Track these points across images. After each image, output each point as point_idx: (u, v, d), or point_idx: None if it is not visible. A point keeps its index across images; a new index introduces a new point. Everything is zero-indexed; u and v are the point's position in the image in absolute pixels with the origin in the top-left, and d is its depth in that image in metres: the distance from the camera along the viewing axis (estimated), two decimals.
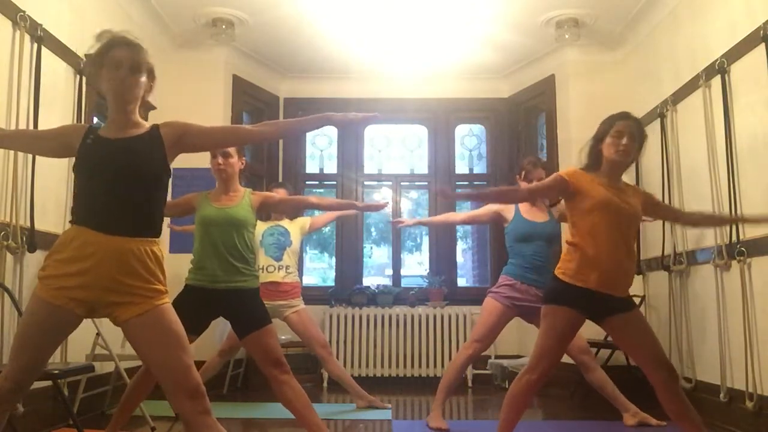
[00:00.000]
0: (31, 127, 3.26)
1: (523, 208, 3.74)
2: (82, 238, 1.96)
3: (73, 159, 2.08)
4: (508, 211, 3.76)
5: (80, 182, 2.09)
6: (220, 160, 3.08)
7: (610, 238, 2.55)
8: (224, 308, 2.97)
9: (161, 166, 2.12)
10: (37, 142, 2.24)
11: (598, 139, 2.69)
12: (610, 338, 4.45)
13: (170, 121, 2.18)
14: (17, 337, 1.96)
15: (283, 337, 4.50)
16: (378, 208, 3.65)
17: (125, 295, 1.98)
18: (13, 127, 3.12)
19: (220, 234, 2.98)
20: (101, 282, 1.95)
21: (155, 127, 2.14)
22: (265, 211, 3.48)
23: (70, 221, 2.05)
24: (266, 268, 4.23)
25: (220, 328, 4.42)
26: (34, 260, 3.25)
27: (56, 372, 2.69)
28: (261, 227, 4.37)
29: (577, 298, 2.56)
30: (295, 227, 4.43)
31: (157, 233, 2.10)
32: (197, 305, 2.89)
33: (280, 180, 5.96)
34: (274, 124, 2.32)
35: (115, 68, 2.05)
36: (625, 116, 2.67)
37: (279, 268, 4.25)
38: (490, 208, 3.87)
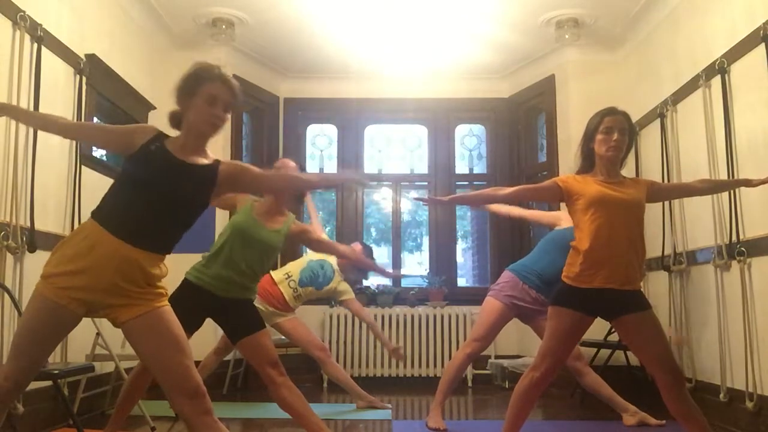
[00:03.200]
0: (31, 127, 3.26)
1: None
2: (95, 237, 1.96)
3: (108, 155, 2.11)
4: (567, 221, 3.60)
5: (122, 183, 2.09)
6: None
7: (613, 232, 2.54)
8: (220, 313, 2.96)
9: (204, 200, 2.14)
10: (104, 135, 2.23)
11: (588, 138, 2.68)
12: (609, 338, 4.47)
13: (232, 161, 2.21)
14: (19, 337, 1.96)
15: (283, 338, 4.50)
16: (391, 275, 3.63)
17: (125, 298, 1.99)
18: (13, 128, 3.13)
19: (251, 251, 2.92)
20: (101, 284, 1.96)
21: (216, 163, 2.15)
22: (297, 243, 3.49)
23: (92, 213, 2.04)
24: (288, 281, 4.24)
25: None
26: (34, 260, 3.25)
27: (56, 372, 2.69)
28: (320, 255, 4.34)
29: (582, 301, 2.55)
30: (337, 285, 4.41)
31: (169, 252, 2.12)
32: (194, 304, 2.87)
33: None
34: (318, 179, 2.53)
35: (209, 103, 2.07)
36: (611, 111, 2.67)
37: (294, 290, 4.25)
38: (554, 215, 3.83)
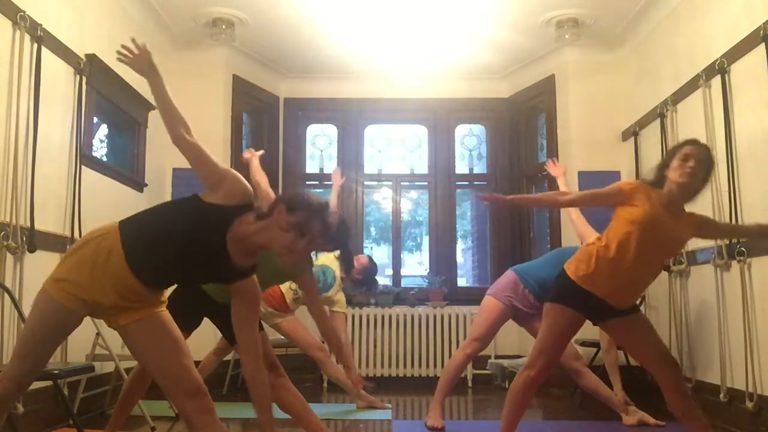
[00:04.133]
0: (31, 127, 3.26)
1: None
2: (109, 251, 1.96)
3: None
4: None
5: (166, 217, 2.04)
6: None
7: (638, 256, 2.49)
8: (217, 315, 2.95)
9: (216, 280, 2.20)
10: (203, 160, 2.04)
11: (663, 165, 2.58)
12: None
13: (255, 290, 2.17)
14: (25, 339, 1.98)
15: (282, 338, 4.49)
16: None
17: (124, 308, 2.04)
18: (13, 127, 3.13)
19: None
20: (105, 302, 1.99)
21: (248, 272, 2.11)
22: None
23: (120, 222, 2.03)
24: (290, 283, 4.23)
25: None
26: (34, 260, 3.25)
27: (56, 372, 2.68)
28: (325, 260, 4.33)
29: (583, 301, 2.55)
30: (334, 295, 4.40)
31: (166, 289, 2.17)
32: (193, 303, 2.87)
33: (280, 181, 5.97)
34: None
35: (301, 236, 2.03)
36: (693, 142, 2.57)
37: (295, 292, 4.23)
38: (588, 234, 3.65)
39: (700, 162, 2.51)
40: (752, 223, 2.76)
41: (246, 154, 3.80)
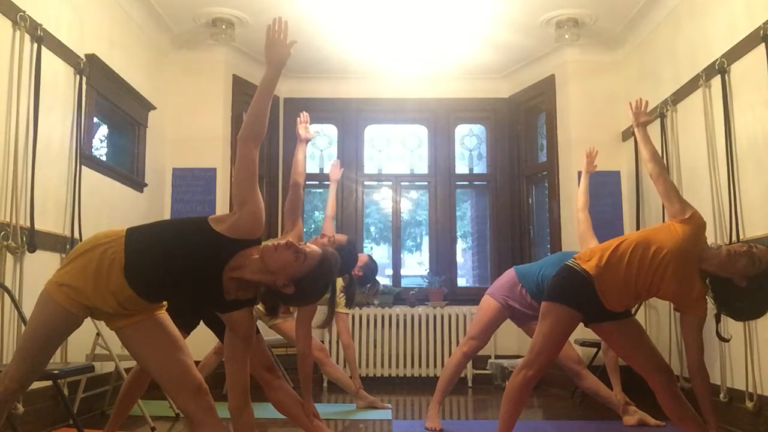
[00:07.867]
0: (31, 127, 3.26)
1: None
2: (111, 261, 1.96)
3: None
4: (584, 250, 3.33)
5: (171, 255, 2.01)
6: None
7: (650, 285, 2.53)
8: (214, 318, 2.95)
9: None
10: (248, 185, 2.04)
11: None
12: None
13: (247, 325, 2.14)
14: (29, 341, 1.98)
15: (281, 337, 4.49)
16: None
17: (125, 314, 2.06)
18: (13, 128, 3.13)
19: None
20: (106, 308, 2.00)
21: (240, 304, 2.10)
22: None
23: (127, 230, 2.03)
24: None
25: None
26: (34, 260, 3.25)
27: (56, 372, 2.68)
28: None
29: (586, 300, 2.54)
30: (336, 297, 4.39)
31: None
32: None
33: (280, 182, 5.96)
34: None
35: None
36: None
37: None
38: (588, 238, 3.69)
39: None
40: (697, 370, 2.63)
41: (301, 129, 3.63)
